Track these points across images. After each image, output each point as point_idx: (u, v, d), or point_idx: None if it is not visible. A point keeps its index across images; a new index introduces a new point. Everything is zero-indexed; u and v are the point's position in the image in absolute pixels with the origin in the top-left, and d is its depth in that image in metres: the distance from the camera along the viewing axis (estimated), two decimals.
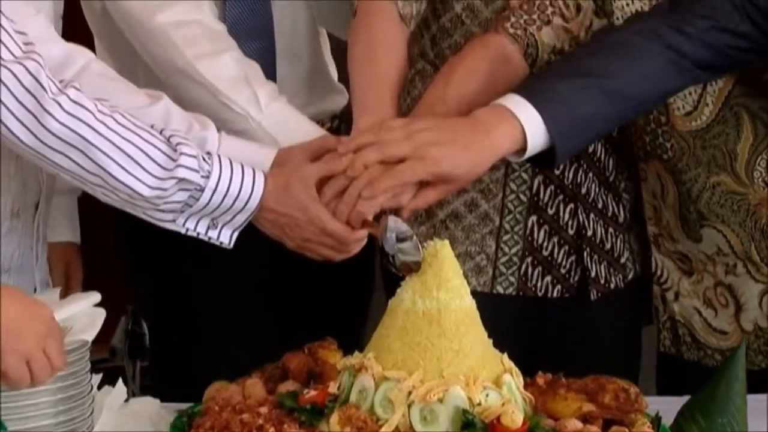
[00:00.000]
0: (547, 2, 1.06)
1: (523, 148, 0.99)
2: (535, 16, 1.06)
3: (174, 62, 1.10)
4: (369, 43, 1.08)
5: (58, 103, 0.90)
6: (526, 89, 1.00)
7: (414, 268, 0.89)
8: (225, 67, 1.09)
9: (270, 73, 1.20)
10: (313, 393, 0.88)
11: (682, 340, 1.18)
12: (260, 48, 1.21)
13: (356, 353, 0.90)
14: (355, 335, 1.14)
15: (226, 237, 0.98)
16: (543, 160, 1.02)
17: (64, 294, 1.04)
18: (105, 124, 0.91)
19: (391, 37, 1.09)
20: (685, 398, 0.89)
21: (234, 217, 0.97)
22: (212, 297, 1.24)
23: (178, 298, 1.25)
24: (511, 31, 1.05)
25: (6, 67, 0.87)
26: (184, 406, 0.94)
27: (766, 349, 1.13)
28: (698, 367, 1.16)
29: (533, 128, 0.97)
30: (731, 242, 1.12)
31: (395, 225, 0.92)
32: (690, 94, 1.08)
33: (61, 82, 0.91)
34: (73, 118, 0.90)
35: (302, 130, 1.07)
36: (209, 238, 0.98)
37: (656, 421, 0.87)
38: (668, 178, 1.14)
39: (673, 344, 1.20)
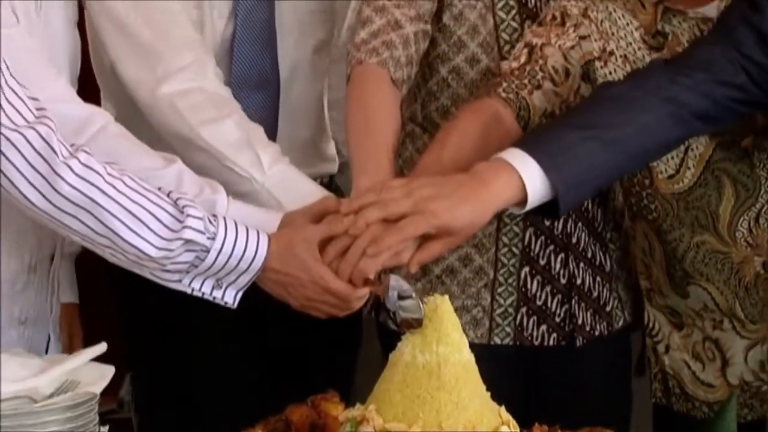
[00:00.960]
0: (537, 68, 1.12)
1: (524, 200, 1.00)
2: (526, 81, 1.11)
3: (179, 130, 1.13)
4: (365, 108, 1.12)
5: (69, 167, 0.93)
6: (525, 142, 1.03)
7: (415, 325, 0.92)
8: (228, 131, 1.12)
9: (272, 127, 1.24)
10: None
11: (672, 391, 1.22)
12: (264, 100, 1.25)
13: (358, 405, 0.93)
14: (344, 388, 1.14)
15: (230, 297, 1.00)
16: (545, 212, 1.04)
17: (69, 352, 1.07)
18: (114, 187, 0.94)
19: (386, 101, 1.12)
20: None
21: (238, 277, 0.99)
22: (200, 350, 1.25)
23: (167, 353, 1.27)
24: (504, 95, 1.11)
25: (19, 132, 0.91)
26: None
27: (751, 403, 1.17)
28: (688, 418, 1.19)
29: (533, 179, 0.99)
30: (716, 299, 1.17)
31: (397, 284, 0.95)
32: (672, 158, 1.14)
33: (72, 146, 0.94)
34: (83, 181, 0.93)
35: (305, 190, 1.11)
36: (214, 297, 1.00)
37: None
38: (654, 238, 1.20)
39: (664, 395, 1.24)
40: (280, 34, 1.26)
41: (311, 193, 1.10)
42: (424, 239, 1.00)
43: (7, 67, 0.92)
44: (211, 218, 0.97)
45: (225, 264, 0.97)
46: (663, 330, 1.22)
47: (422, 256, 1.00)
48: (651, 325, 1.23)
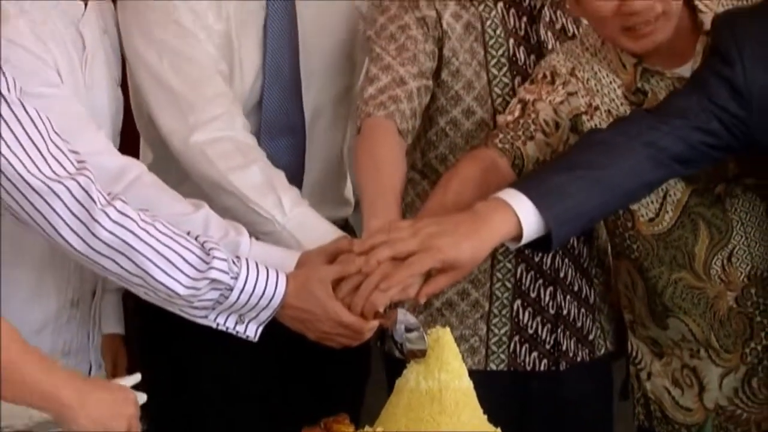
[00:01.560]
0: (530, 121, 1.21)
1: (520, 235, 1.07)
2: (520, 133, 1.21)
3: (208, 175, 1.21)
4: (374, 156, 1.19)
5: (107, 214, 1.00)
6: (520, 183, 1.12)
7: (419, 355, 1.01)
8: (253, 176, 1.19)
9: (299, 169, 1.31)
10: None
11: (654, 415, 1.31)
12: (291, 145, 1.32)
13: (367, 427, 1.02)
14: (354, 411, 1.20)
15: (251, 331, 1.08)
16: (538, 247, 1.12)
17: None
18: (147, 232, 1.02)
19: (393, 150, 1.20)
20: None
21: (259, 313, 1.07)
22: (218, 375, 1.30)
23: (184, 382, 1.32)
24: (500, 145, 1.20)
25: (61, 183, 0.99)
26: None
27: (726, 425, 1.26)
28: None
29: (528, 216, 1.06)
30: (693, 331, 1.26)
31: (404, 318, 1.04)
32: (652, 202, 1.23)
33: (109, 194, 1.02)
34: (119, 226, 1.01)
35: (322, 231, 1.18)
36: (237, 332, 1.07)
37: None
38: (636, 275, 1.29)
39: (647, 419, 1.33)
40: (305, 83, 1.33)
41: (327, 233, 1.18)
42: (430, 273, 1.07)
43: (51, 124, 1.01)
44: (235, 259, 1.05)
45: (247, 301, 1.05)
46: (645, 358, 1.31)
47: (430, 289, 1.08)
48: (634, 353, 1.32)
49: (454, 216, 1.11)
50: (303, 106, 1.34)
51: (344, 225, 1.39)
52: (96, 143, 1.12)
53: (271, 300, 1.06)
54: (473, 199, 1.14)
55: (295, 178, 1.29)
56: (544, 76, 1.24)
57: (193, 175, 1.24)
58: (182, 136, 1.23)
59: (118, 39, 1.27)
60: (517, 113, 1.22)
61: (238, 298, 1.05)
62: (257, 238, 1.16)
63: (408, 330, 1.03)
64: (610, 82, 1.23)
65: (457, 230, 1.07)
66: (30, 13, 1.12)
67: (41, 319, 1.16)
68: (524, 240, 1.08)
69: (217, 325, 1.07)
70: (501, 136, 1.21)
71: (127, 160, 1.17)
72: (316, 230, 1.18)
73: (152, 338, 1.35)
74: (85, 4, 1.19)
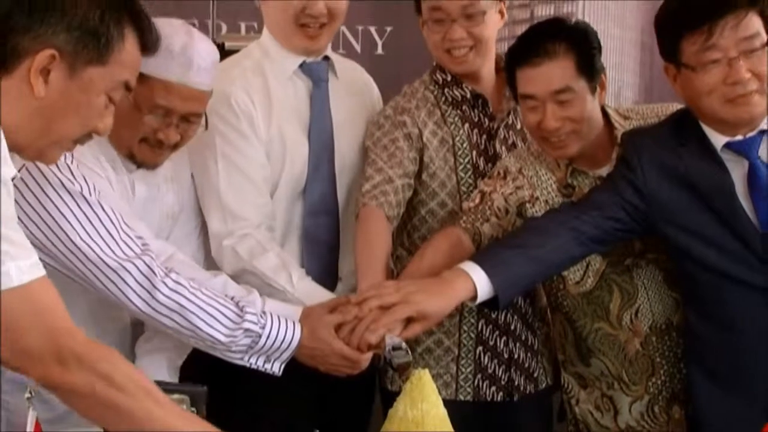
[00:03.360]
0: (487, 208, 1.54)
1: (475, 296, 1.37)
2: (479, 216, 1.53)
3: (238, 266, 1.48)
4: (367, 236, 1.50)
5: (165, 284, 1.27)
6: (477, 257, 1.43)
7: (405, 367, 1.31)
8: (270, 260, 1.48)
9: (335, 243, 1.58)
10: None
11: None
12: (328, 223, 1.59)
13: None
14: (362, 428, 1.50)
15: (276, 368, 1.37)
16: (490, 305, 1.43)
17: None
18: (195, 296, 1.30)
19: (382, 231, 1.50)
20: None
21: (282, 354, 1.36)
22: (255, 399, 1.52)
23: (238, 409, 1.54)
24: (464, 225, 1.53)
25: (131, 261, 1.26)
26: None
27: None
28: None
29: (481, 282, 1.38)
30: (609, 368, 1.58)
31: (391, 340, 1.34)
32: (578, 270, 1.56)
33: (166, 268, 1.29)
34: (174, 293, 1.27)
35: (319, 296, 1.48)
36: (265, 369, 1.36)
37: None
38: (567, 325, 1.62)
39: None
40: (339, 176, 1.60)
41: (324, 297, 1.48)
42: (408, 321, 1.38)
43: (122, 217, 1.29)
44: (261, 314, 1.34)
45: (272, 345, 1.34)
46: (574, 389, 1.63)
47: (407, 333, 1.39)
48: (566, 385, 1.65)
49: (427, 279, 1.43)
50: (337, 194, 1.61)
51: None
52: (141, 230, 1.36)
53: (290, 344, 1.35)
54: (442, 266, 1.46)
55: (333, 250, 1.58)
56: (499, 173, 1.57)
57: (223, 265, 1.51)
58: (220, 240, 1.51)
59: None
60: (477, 201, 1.55)
61: (265, 342, 1.34)
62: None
63: (395, 349, 1.33)
64: (548, 179, 1.56)
65: (429, 290, 1.39)
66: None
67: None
68: (479, 300, 1.40)
69: (250, 364, 1.35)
70: (465, 218, 1.54)
71: (164, 243, 1.44)
72: (316, 296, 1.48)
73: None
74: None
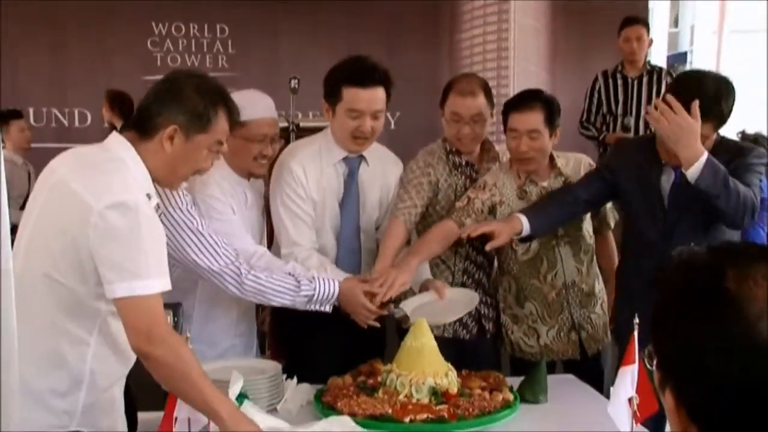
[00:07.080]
0: (470, 208, 2.31)
1: (521, 230, 2.23)
2: (464, 213, 2.31)
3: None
4: (390, 235, 2.29)
5: (248, 278, 1.98)
6: (523, 210, 2.27)
7: (404, 321, 2.13)
8: (314, 260, 2.24)
9: (357, 270, 2.29)
10: (371, 381, 2.07)
11: (515, 351, 2.46)
12: (353, 258, 2.33)
13: (389, 364, 2.07)
14: (381, 356, 2.27)
15: (327, 308, 2.11)
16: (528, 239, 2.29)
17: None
18: (269, 281, 2.00)
19: (398, 235, 2.29)
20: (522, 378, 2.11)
21: (329, 300, 2.09)
22: (318, 337, 2.29)
23: (304, 340, 2.32)
24: (454, 218, 2.30)
25: (228, 268, 1.96)
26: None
27: (549, 354, 2.42)
28: (523, 362, 2.41)
29: (524, 224, 2.23)
30: (536, 309, 2.41)
31: (392, 309, 2.16)
32: (525, 245, 2.35)
33: (249, 265, 1.98)
34: (255, 283, 1.99)
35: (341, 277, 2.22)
36: (321, 309, 2.10)
37: (510, 389, 2.08)
38: (513, 281, 2.42)
39: (512, 353, 2.48)
40: (362, 230, 2.36)
41: (342, 275, 2.24)
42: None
43: (220, 238, 1.96)
44: (312, 278, 2.07)
45: (322, 296, 2.07)
46: (509, 324, 2.45)
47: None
48: (504, 322, 2.46)
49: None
50: (360, 242, 2.36)
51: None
52: (245, 241, 2.13)
53: (333, 294, 2.10)
54: (436, 244, 2.27)
55: (356, 265, 2.33)
56: (480, 185, 2.34)
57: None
58: (285, 259, 2.24)
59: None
60: (464, 202, 2.33)
61: (318, 296, 2.07)
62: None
63: (396, 313, 2.18)
64: (511, 187, 2.34)
65: (499, 222, 2.26)
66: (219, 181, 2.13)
67: (229, 322, 2.21)
68: (524, 233, 2.24)
69: (312, 308, 2.09)
70: (455, 213, 2.31)
71: (260, 246, 2.20)
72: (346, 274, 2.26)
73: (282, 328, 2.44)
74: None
